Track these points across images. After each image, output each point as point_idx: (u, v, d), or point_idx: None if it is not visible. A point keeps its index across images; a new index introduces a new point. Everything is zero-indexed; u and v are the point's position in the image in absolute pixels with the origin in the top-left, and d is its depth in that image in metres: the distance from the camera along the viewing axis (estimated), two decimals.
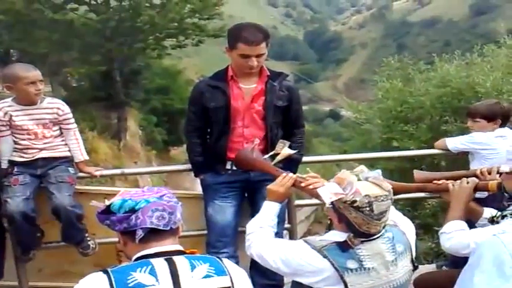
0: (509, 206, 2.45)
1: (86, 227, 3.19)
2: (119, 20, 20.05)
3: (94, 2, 19.87)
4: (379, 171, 2.11)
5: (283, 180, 2.43)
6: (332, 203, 2.03)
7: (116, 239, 2.91)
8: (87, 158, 3.34)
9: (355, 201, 1.96)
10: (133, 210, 1.72)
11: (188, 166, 3.34)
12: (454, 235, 2.34)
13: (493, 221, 2.49)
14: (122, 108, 20.86)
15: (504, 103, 3.88)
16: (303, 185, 2.42)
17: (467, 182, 2.50)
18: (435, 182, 2.63)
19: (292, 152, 2.76)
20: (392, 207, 2.35)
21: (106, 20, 19.73)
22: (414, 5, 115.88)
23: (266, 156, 2.74)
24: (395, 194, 2.62)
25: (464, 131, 8.75)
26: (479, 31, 65.28)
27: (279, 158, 2.71)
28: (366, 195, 1.96)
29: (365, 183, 2.04)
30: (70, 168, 3.21)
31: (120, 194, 1.81)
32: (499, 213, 2.45)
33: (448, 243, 2.37)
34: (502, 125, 3.58)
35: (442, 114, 9.23)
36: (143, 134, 22.68)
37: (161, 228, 1.73)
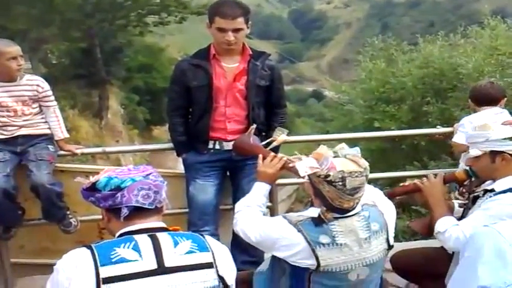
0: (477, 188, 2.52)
1: (68, 205, 3.18)
2: None
3: None
4: (357, 148, 2.15)
5: (273, 162, 2.49)
6: (308, 177, 2.09)
7: (98, 216, 2.91)
8: (67, 135, 3.32)
9: (328, 175, 2.02)
10: (118, 188, 1.73)
11: (171, 145, 3.33)
12: (450, 232, 2.39)
13: (464, 205, 2.55)
14: (103, 86, 20.65)
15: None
16: (291, 165, 2.46)
17: (435, 177, 2.58)
18: (402, 184, 2.70)
19: (288, 138, 2.82)
20: (376, 189, 2.40)
21: None
22: None
23: (263, 142, 2.80)
24: None
25: (444, 113, 8.87)
26: (464, 12, 65.32)
27: (274, 144, 2.78)
28: (340, 171, 2.02)
29: (342, 160, 2.09)
30: (49, 146, 3.18)
31: (105, 171, 1.81)
32: (470, 195, 2.52)
33: (448, 243, 2.40)
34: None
35: (424, 95, 9.32)
36: (125, 112, 22.50)
37: (146, 206, 1.75)
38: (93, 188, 1.77)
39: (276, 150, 2.89)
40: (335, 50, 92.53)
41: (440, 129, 4.24)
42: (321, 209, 2.06)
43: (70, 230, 3.23)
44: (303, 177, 2.13)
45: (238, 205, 2.43)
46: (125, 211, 1.73)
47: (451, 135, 3.77)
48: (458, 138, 3.48)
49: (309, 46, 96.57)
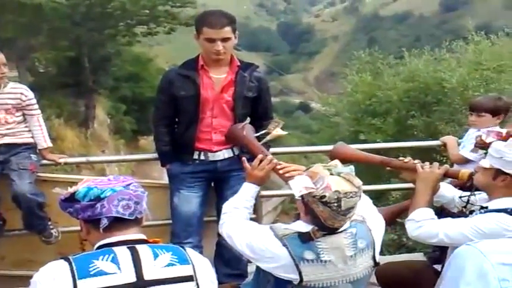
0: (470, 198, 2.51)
1: (49, 215, 3.14)
2: (89, 5, 19.66)
3: None
4: (352, 167, 2.12)
5: (263, 164, 2.44)
6: (301, 196, 2.04)
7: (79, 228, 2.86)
8: (50, 145, 3.29)
9: (324, 196, 1.97)
10: (98, 199, 1.69)
11: (155, 155, 3.32)
12: (423, 224, 2.38)
13: (462, 212, 2.54)
14: (90, 95, 20.54)
15: (504, 96, 3.84)
16: (281, 171, 2.44)
17: (439, 167, 2.52)
18: (401, 159, 2.64)
19: (283, 133, 2.77)
20: (369, 201, 2.37)
21: (76, 5, 19.33)
22: None
23: (257, 134, 2.73)
24: (358, 162, 2.63)
25: (429, 126, 8.95)
26: (449, 27, 66.24)
27: (268, 137, 2.72)
28: (336, 191, 1.97)
29: (337, 179, 2.05)
30: (32, 155, 3.15)
31: (84, 181, 1.78)
32: (467, 206, 2.50)
33: (416, 231, 2.40)
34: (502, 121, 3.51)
35: (409, 108, 9.40)
36: (112, 122, 22.37)
37: (126, 217, 1.72)
38: (72, 199, 1.73)
39: (267, 145, 2.87)
40: (322, 63, 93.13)
41: (426, 142, 4.26)
42: (312, 228, 2.03)
43: (50, 241, 3.19)
44: (298, 197, 2.07)
45: (226, 206, 2.39)
46: (104, 222, 1.69)
47: (436, 148, 3.79)
48: (466, 153, 3.43)
49: (297, 58, 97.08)
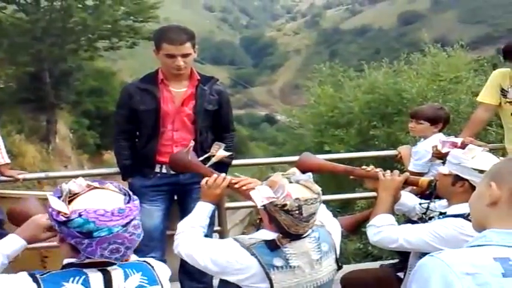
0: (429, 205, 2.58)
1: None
2: (50, 20, 19.43)
3: (24, 2, 19.14)
4: (310, 174, 2.17)
5: (218, 181, 2.42)
6: (263, 205, 2.06)
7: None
8: (8, 161, 3.23)
9: (285, 205, 2.00)
10: (88, 235, 1.52)
11: (117, 169, 3.29)
12: (383, 229, 2.43)
13: (422, 218, 2.61)
14: (51, 110, 20.14)
15: (446, 107, 3.92)
16: (236, 186, 2.45)
17: (399, 175, 2.58)
18: (364, 167, 2.69)
19: (227, 154, 2.77)
20: (324, 207, 2.42)
21: (36, 20, 19.07)
22: (346, 13, 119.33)
23: (201, 158, 2.72)
24: (322, 173, 2.65)
25: (390, 136, 9.13)
26: (407, 40, 67.85)
27: (213, 160, 2.70)
28: (296, 199, 2.00)
29: (296, 186, 2.09)
30: None
31: (86, 209, 1.54)
32: (427, 213, 2.57)
33: (376, 237, 2.46)
34: (441, 129, 3.59)
35: (370, 119, 9.59)
36: (75, 137, 21.96)
37: (109, 260, 1.60)
38: (64, 221, 1.55)
39: (224, 170, 2.88)
40: (285, 76, 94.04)
41: (386, 152, 4.35)
42: (277, 235, 2.05)
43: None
44: (260, 207, 2.08)
45: (181, 226, 2.36)
46: (83, 258, 1.58)
47: (395, 157, 3.88)
48: (411, 167, 3.51)
49: (260, 72, 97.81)
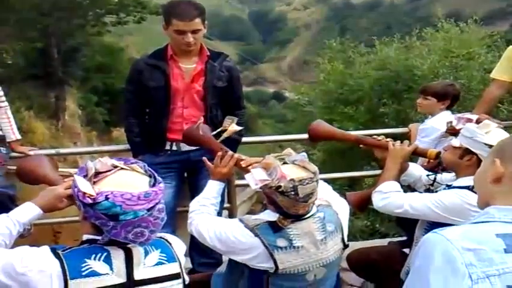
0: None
1: None
2: None
3: None
4: (304, 154, 2.16)
5: (226, 160, 2.45)
6: (261, 187, 2.06)
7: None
8: (19, 137, 3.24)
9: (280, 187, 2.00)
10: (114, 218, 1.52)
11: (128, 146, 3.28)
12: (390, 195, 2.46)
13: (428, 189, 2.61)
14: (60, 87, 20.14)
15: (457, 84, 3.87)
16: (243, 165, 2.45)
17: (408, 145, 2.61)
18: (374, 137, 2.72)
19: (239, 128, 2.76)
20: (329, 188, 2.43)
21: None
22: None
23: (214, 132, 2.71)
24: (334, 139, 2.66)
25: (400, 114, 9.05)
26: (419, 15, 66.90)
27: (225, 134, 2.70)
28: (290, 180, 1.99)
29: (291, 167, 2.08)
30: (1, 148, 3.10)
31: (113, 192, 1.53)
32: (434, 185, 2.57)
33: (382, 202, 2.48)
34: (449, 107, 3.57)
35: (380, 96, 9.51)
36: (83, 114, 21.99)
37: (132, 244, 1.60)
38: (90, 203, 1.53)
39: (233, 148, 2.86)
40: (294, 52, 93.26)
41: (396, 129, 4.32)
42: (278, 217, 2.06)
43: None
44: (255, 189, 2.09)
45: (193, 204, 2.40)
46: (105, 239, 1.58)
47: (406, 135, 3.85)
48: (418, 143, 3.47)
49: (269, 47, 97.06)
